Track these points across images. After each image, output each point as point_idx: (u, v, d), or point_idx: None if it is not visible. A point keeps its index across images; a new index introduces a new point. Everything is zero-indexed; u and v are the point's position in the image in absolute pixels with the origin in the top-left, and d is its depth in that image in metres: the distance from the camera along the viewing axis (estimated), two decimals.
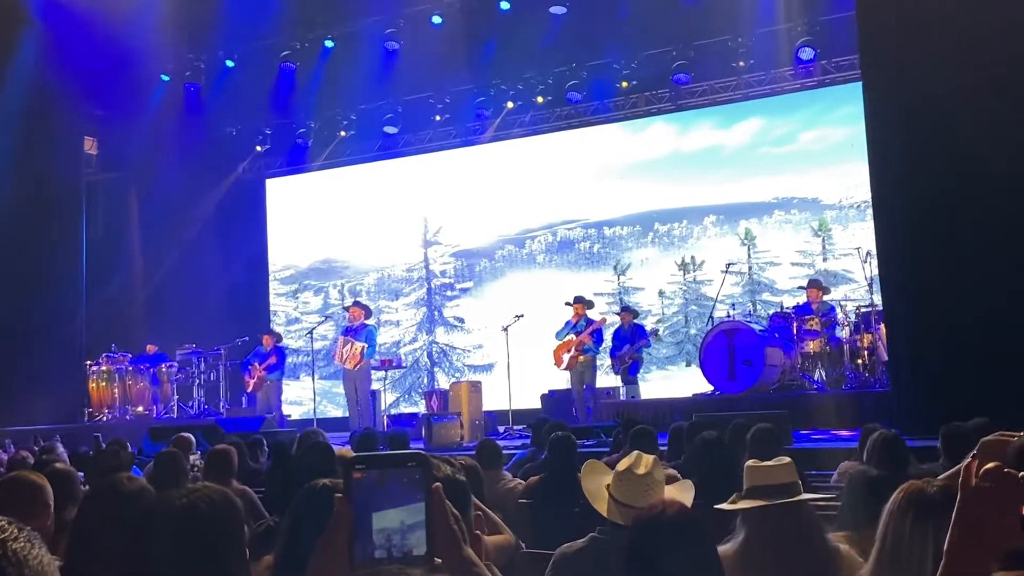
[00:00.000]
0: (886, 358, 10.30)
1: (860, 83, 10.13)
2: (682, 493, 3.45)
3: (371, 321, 14.01)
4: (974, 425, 5.28)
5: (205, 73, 16.29)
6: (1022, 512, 1.56)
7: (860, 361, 11.22)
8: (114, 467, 5.13)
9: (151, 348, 15.18)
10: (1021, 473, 1.57)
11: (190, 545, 2.10)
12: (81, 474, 4.98)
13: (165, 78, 16.27)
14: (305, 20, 15.05)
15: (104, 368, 14.73)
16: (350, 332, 13.40)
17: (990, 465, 1.59)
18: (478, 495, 4.48)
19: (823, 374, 11.58)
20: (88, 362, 14.94)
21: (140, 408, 14.67)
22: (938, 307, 8.68)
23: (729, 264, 12.98)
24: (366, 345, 13.15)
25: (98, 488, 3.10)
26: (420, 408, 14.71)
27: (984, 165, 8.49)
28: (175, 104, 16.32)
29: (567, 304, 12.81)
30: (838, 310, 11.72)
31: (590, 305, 12.93)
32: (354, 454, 1.32)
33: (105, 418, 14.47)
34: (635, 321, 13.14)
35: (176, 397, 14.92)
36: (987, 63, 8.54)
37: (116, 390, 14.65)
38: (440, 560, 1.26)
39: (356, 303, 14.21)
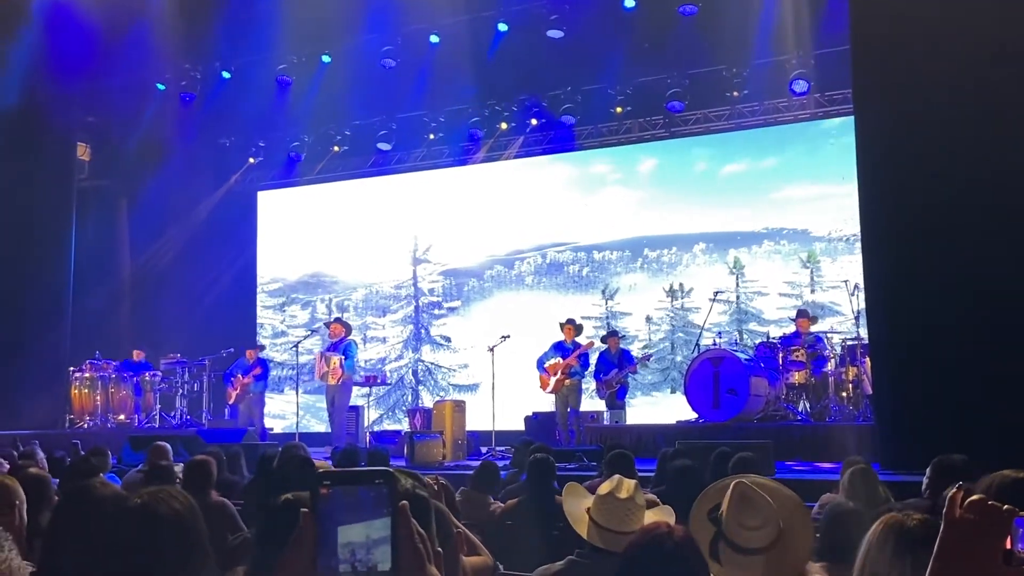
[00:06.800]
0: (870, 391, 10.31)
1: (852, 117, 10.17)
2: (663, 519, 3.42)
3: (352, 337, 13.95)
4: (959, 461, 5.22)
5: (201, 83, 16.27)
6: (1005, 545, 1.54)
7: (844, 394, 11.24)
8: (88, 473, 5.08)
9: (138, 355, 15.09)
10: (1005, 506, 1.56)
11: (144, 543, 2.07)
12: (56, 480, 4.94)
13: (161, 87, 16.23)
14: (303, 35, 15.07)
15: (87, 375, 14.64)
16: (330, 349, 13.33)
17: (975, 497, 1.57)
18: (453, 514, 4.45)
19: (807, 405, 11.59)
20: (71, 368, 14.84)
21: (122, 416, 14.57)
22: (923, 343, 8.69)
23: (717, 292, 13.01)
24: (343, 357, 13.07)
25: (70, 493, 3.08)
26: (403, 425, 14.65)
27: (974, 202, 8.52)
28: (169, 113, 16.28)
29: (561, 324, 12.81)
30: (824, 342, 11.74)
31: (579, 329, 12.92)
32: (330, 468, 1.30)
33: (86, 425, 14.37)
34: (621, 346, 13.16)
35: (158, 407, 14.84)
36: (980, 101, 8.59)
37: (98, 397, 14.56)
38: None
39: (337, 320, 14.16)
